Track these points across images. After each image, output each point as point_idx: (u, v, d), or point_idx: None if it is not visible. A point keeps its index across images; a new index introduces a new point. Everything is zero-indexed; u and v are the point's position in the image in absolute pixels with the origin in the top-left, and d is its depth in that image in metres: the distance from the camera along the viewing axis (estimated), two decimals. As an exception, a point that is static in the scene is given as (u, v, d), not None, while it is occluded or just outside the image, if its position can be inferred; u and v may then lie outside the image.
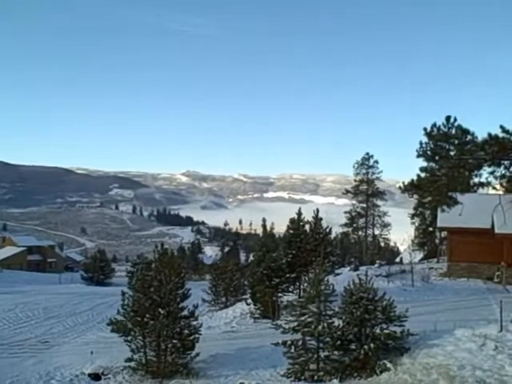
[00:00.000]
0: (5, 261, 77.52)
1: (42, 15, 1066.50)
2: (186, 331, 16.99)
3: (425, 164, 27.36)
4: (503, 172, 24.01)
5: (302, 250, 27.79)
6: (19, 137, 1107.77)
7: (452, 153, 24.94)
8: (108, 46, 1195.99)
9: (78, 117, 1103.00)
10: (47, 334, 25.40)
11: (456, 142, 24.62)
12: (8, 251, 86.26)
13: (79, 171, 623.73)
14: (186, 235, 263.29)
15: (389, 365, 13.55)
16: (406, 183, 27.60)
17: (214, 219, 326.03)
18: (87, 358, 17.93)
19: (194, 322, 17.47)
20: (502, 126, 20.54)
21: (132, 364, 16.82)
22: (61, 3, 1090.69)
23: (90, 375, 16.92)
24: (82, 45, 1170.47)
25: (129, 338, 17.04)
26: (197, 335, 17.19)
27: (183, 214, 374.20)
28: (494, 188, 32.56)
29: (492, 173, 24.76)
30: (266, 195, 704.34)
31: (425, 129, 25.86)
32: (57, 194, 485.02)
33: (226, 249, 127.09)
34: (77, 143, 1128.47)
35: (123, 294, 17.48)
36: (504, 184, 39.75)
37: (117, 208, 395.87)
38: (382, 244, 70.42)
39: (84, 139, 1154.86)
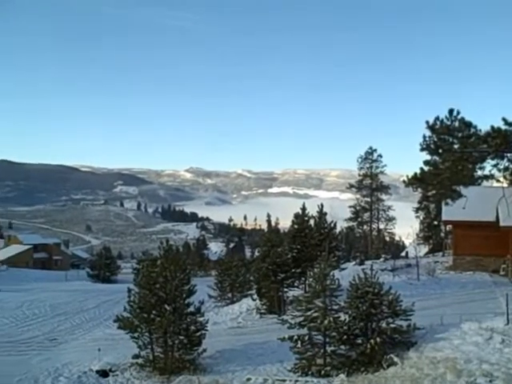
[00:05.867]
0: (11, 259, 77.47)
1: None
2: (193, 327, 17.06)
3: (428, 157, 27.33)
4: (506, 164, 23.94)
5: (307, 245, 27.80)
6: (23, 136, 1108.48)
7: (455, 146, 24.87)
8: (105, 46, 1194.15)
9: (80, 115, 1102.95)
10: (55, 331, 25.52)
11: (459, 135, 24.55)
12: (14, 249, 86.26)
13: (83, 169, 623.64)
14: (190, 231, 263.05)
15: (395, 359, 13.58)
16: (409, 177, 27.54)
17: (219, 215, 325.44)
18: (95, 355, 18.03)
19: (201, 318, 17.56)
20: (504, 119, 20.45)
21: (139, 360, 16.93)
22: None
23: (97, 372, 17.02)
24: (81, 45, 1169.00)
25: (136, 335, 17.12)
26: (203, 331, 17.27)
27: (188, 210, 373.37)
28: (498, 181, 32.49)
29: (495, 165, 24.70)
30: (270, 190, 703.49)
31: (427, 122, 25.80)
32: (61, 192, 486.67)
33: (231, 244, 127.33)
34: (80, 141, 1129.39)
35: (129, 290, 17.54)
36: (507, 176, 39.64)
37: (121, 205, 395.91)
38: (387, 238, 70.24)
39: (87, 137, 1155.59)
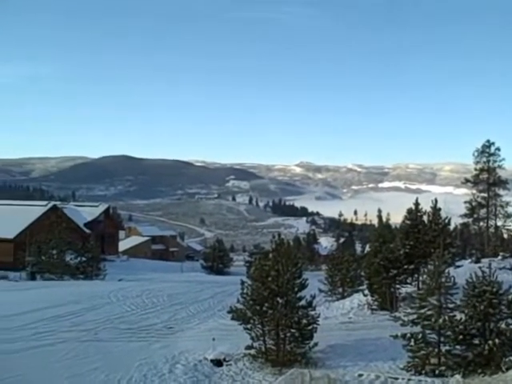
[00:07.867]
0: (131, 250, 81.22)
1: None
2: (304, 321, 17.22)
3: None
4: None
5: (420, 241, 27.18)
6: (142, 132, 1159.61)
7: None
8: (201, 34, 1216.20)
9: (192, 112, 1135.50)
10: (172, 319, 26.48)
11: None
12: (134, 240, 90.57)
13: (197, 164, 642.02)
14: (301, 226, 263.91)
15: (515, 362, 13.06)
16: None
17: (329, 210, 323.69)
18: (209, 345, 18.59)
19: (312, 312, 17.68)
20: None
21: (252, 352, 17.31)
22: None
23: (212, 361, 17.57)
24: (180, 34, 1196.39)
25: (248, 326, 17.53)
26: (315, 325, 17.39)
27: (298, 204, 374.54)
28: None
29: None
30: (381, 185, 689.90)
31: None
32: (177, 186, 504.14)
33: (341, 239, 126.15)
34: (194, 137, 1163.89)
35: (242, 283, 17.95)
36: None
37: (234, 199, 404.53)
38: (505, 235, 67.02)
39: (201, 133, 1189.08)
